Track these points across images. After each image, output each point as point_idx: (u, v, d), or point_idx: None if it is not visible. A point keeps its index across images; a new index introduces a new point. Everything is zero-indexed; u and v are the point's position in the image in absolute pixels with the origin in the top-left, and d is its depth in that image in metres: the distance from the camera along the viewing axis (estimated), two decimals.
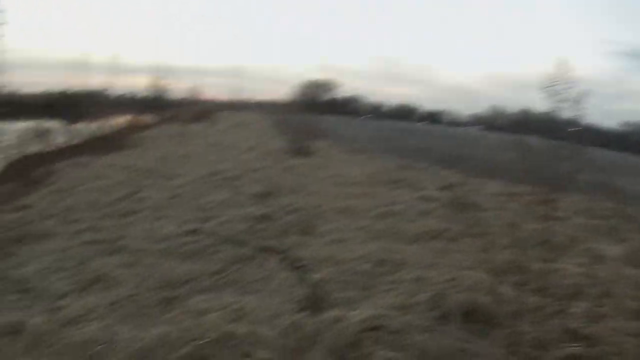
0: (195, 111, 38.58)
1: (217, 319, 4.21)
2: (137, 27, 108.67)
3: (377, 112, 72.99)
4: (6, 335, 4.26)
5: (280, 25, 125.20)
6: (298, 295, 5.02)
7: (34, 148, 17.48)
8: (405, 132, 35.96)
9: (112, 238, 7.24)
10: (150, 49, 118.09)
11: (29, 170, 13.47)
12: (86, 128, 23.48)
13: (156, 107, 42.72)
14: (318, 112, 34.75)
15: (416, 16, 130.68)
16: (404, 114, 75.09)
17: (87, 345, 3.93)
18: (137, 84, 72.27)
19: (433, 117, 76.19)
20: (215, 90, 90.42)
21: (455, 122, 73.86)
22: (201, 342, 3.82)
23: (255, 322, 4.24)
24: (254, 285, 5.35)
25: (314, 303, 4.76)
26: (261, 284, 5.40)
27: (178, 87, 58.01)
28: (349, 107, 73.01)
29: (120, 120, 29.99)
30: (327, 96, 72.80)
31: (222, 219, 7.96)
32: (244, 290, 5.16)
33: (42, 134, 19.37)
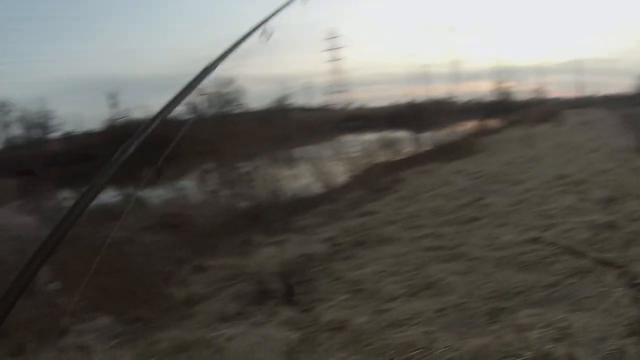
0: (540, 112, 37.23)
1: (539, 337, 3.96)
2: (473, 33, 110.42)
3: None
4: (329, 331, 4.64)
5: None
6: (630, 317, 4.40)
7: (381, 158, 18.84)
8: None
9: (451, 245, 7.31)
10: (490, 52, 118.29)
11: (375, 178, 14.54)
12: (432, 137, 24.42)
13: (501, 110, 42.53)
14: None
15: None
16: None
17: (404, 348, 4.01)
18: (480, 88, 73.06)
19: None
20: (558, 87, 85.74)
21: None
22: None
23: (577, 344, 3.89)
24: (586, 302, 4.83)
25: None
26: (593, 301, 4.84)
27: (522, 88, 56.75)
28: None
29: (465, 126, 30.54)
30: None
31: (563, 227, 7.39)
32: (574, 307, 4.71)
33: (389, 144, 20.80)
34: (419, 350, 3.94)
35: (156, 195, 13.78)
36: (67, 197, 15.30)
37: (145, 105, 50.87)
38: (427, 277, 5.93)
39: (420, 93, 53.44)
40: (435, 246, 7.33)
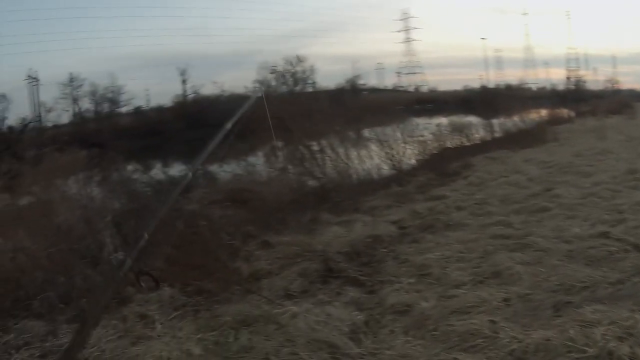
0: (612, 103, 35.80)
1: (603, 334, 3.81)
2: (548, 18, 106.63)
3: None
4: (393, 314, 4.69)
5: None
6: None
7: (452, 142, 18.61)
8: None
9: (519, 234, 7.19)
10: (564, 38, 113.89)
11: (445, 162, 14.39)
12: (503, 123, 23.89)
13: (573, 99, 41.27)
14: None
15: None
16: None
17: (468, 336, 4.01)
18: (553, 75, 70.46)
19: None
20: (632, 78, 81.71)
21: None
22: (578, 356, 3.59)
23: None
24: None
25: None
26: None
27: (595, 78, 54.90)
28: None
29: (537, 114, 29.73)
30: None
31: (633, 223, 7.14)
32: None
33: (459, 129, 20.46)
34: (483, 339, 3.93)
35: (226, 170, 14.03)
36: (134, 169, 15.69)
37: (215, 81, 51.65)
38: (494, 266, 5.87)
39: (492, 78, 52.53)
40: (504, 234, 7.24)
